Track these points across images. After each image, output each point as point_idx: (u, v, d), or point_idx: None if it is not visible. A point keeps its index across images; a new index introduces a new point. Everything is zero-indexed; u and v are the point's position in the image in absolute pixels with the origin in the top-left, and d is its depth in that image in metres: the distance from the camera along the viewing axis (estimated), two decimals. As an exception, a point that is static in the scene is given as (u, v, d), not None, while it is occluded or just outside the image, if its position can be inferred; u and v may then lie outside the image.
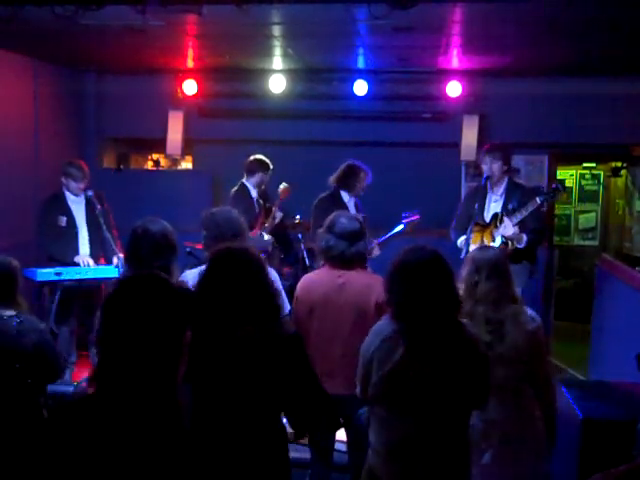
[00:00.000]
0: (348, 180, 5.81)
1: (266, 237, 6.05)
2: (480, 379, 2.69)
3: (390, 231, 5.71)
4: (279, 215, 6.23)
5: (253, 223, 5.81)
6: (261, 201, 6.31)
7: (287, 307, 3.65)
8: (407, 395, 2.63)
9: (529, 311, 3.29)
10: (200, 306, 2.57)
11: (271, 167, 6.29)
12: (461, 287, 3.09)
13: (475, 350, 2.70)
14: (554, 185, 5.02)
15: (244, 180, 6.26)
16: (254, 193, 6.25)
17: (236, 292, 2.51)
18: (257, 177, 6.23)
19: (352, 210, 5.74)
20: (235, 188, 6.22)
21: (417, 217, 5.73)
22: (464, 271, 3.22)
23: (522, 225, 4.88)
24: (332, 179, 5.87)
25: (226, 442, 2.47)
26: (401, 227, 5.71)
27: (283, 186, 6.25)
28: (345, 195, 5.84)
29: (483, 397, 2.75)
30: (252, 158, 6.31)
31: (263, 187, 6.37)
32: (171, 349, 1.78)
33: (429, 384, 2.61)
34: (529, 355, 3.16)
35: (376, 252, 5.47)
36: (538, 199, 4.83)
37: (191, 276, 3.79)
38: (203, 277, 2.62)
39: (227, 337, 2.49)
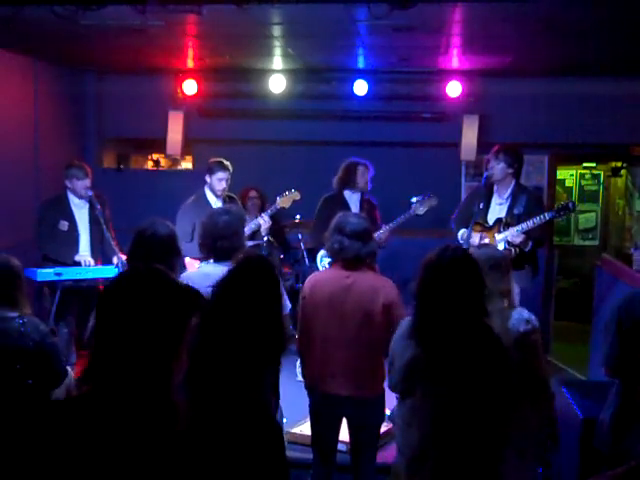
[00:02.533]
0: (348, 178, 5.87)
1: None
2: (502, 382, 2.67)
3: (400, 216, 5.69)
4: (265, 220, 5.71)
5: None
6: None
7: (287, 307, 3.65)
8: (423, 393, 2.63)
9: (525, 313, 3.27)
10: (213, 310, 2.57)
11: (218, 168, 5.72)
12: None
13: (500, 356, 2.68)
14: (565, 204, 4.89)
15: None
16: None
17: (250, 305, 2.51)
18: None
19: (355, 208, 5.77)
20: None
21: (428, 196, 5.71)
22: None
23: (527, 234, 4.85)
24: (334, 181, 5.94)
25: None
26: (411, 212, 5.70)
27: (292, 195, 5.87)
28: (348, 194, 5.89)
29: (506, 403, 2.72)
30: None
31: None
32: (168, 347, 1.72)
33: (444, 383, 2.60)
34: (518, 355, 3.14)
35: (385, 237, 5.58)
36: (547, 215, 4.79)
37: (191, 277, 3.80)
38: (224, 281, 2.60)
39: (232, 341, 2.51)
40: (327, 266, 5.60)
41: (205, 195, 5.66)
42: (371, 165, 5.93)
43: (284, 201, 5.78)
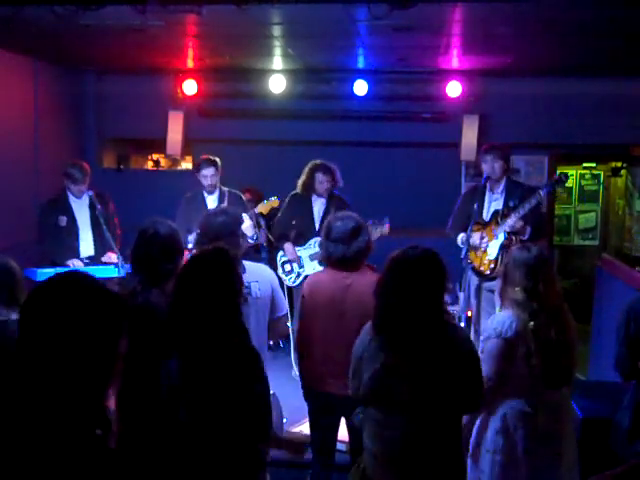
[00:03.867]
0: (307, 183, 5.81)
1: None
2: (468, 379, 2.68)
3: None
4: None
5: None
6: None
7: (285, 307, 3.65)
8: (393, 395, 2.63)
9: None
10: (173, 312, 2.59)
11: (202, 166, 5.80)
12: (516, 290, 3.07)
13: (462, 350, 2.69)
14: (556, 177, 5.04)
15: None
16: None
17: (199, 298, 2.54)
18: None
19: (318, 211, 5.79)
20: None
21: (386, 226, 5.41)
22: (514, 274, 3.10)
23: (525, 220, 4.90)
24: (298, 183, 5.87)
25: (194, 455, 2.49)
26: None
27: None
28: (314, 196, 5.85)
29: (474, 399, 2.74)
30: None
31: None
32: (96, 361, 1.56)
33: (414, 384, 2.61)
34: (575, 352, 3.17)
35: (385, 231, 5.42)
36: (541, 192, 4.86)
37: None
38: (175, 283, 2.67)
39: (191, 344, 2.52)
40: (283, 269, 5.81)
41: (202, 191, 5.81)
42: (334, 168, 5.75)
43: (264, 207, 5.82)
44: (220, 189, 5.83)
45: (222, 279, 2.59)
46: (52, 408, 1.53)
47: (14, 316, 3.06)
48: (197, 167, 5.83)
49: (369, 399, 2.75)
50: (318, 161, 5.80)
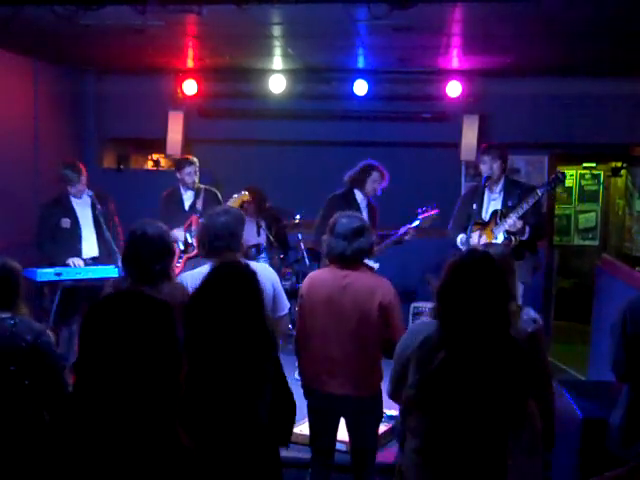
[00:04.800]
0: (359, 178, 5.77)
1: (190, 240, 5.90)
2: (518, 397, 2.62)
3: (405, 226, 5.64)
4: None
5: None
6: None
7: (286, 307, 3.66)
8: (443, 401, 2.55)
9: (531, 312, 3.27)
10: (192, 314, 2.55)
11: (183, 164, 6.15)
12: None
13: (520, 368, 2.62)
14: (554, 175, 5.05)
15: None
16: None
17: (230, 312, 2.50)
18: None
19: (364, 210, 5.73)
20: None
21: (435, 211, 5.67)
22: None
23: (524, 220, 4.91)
24: (347, 177, 5.83)
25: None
26: (417, 222, 5.62)
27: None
28: (359, 194, 5.79)
29: (519, 417, 2.68)
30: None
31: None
32: (163, 382, 1.57)
33: (467, 392, 2.53)
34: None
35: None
36: (539, 191, 4.89)
37: (189, 277, 3.79)
38: (199, 289, 2.59)
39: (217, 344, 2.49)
40: None
41: (179, 188, 6.13)
42: (387, 175, 5.80)
43: (234, 202, 5.81)
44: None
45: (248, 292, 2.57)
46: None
47: (3, 315, 3.06)
48: (180, 166, 6.12)
49: (413, 403, 2.66)
50: (374, 162, 5.81)
